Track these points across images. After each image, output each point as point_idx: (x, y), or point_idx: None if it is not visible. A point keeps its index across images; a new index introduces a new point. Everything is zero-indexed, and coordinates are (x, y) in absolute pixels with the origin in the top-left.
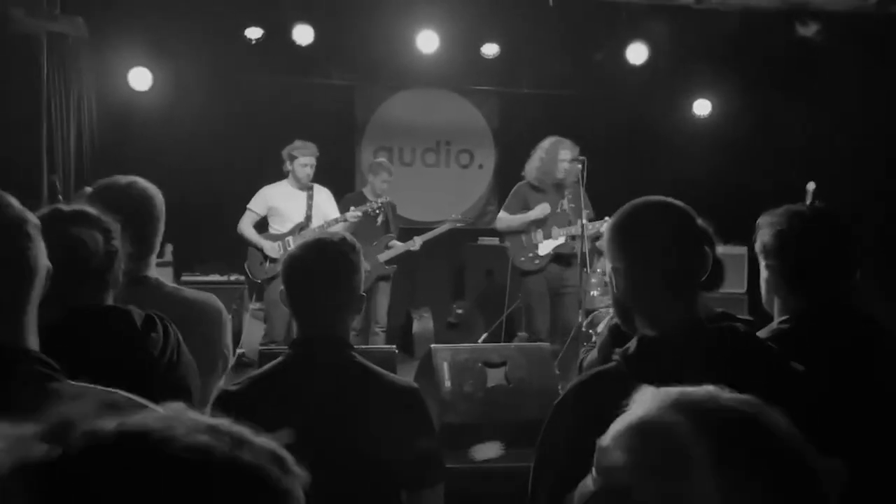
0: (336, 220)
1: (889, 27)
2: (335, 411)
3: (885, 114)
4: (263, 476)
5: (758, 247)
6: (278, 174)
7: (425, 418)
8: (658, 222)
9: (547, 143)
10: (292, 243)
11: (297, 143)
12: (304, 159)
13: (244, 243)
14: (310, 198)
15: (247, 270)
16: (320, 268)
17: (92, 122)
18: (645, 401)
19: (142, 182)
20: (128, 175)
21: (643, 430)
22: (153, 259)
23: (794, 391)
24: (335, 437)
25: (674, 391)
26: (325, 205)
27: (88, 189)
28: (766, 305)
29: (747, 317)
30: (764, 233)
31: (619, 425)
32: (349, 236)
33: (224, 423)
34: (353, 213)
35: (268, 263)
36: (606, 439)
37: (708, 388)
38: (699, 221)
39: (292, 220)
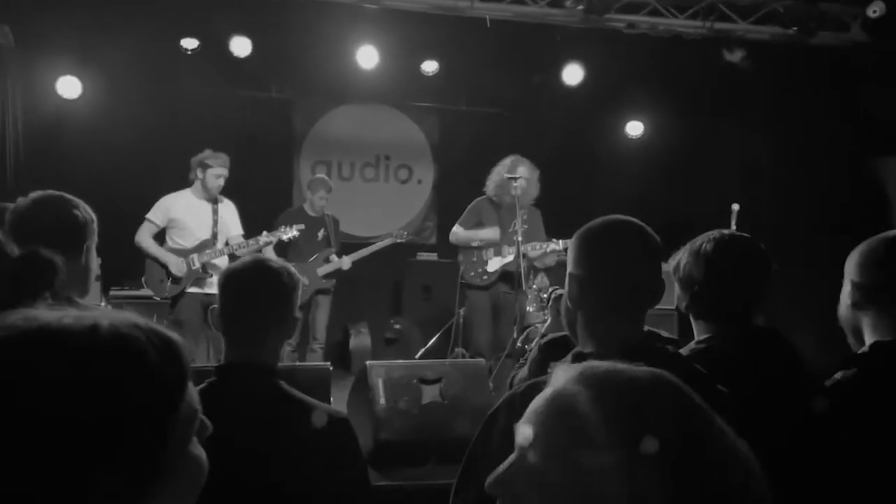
0: (245, 244)
1: (807, 55)
2: (259, 441)
3: (805, 137)
4: (154, 331)
5: (672, 267)
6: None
7: (353, 448)
8: (630, 241)
9: (507, 160)
10: (197, 261)
11: (209, 152)
12: (218, 170)
13: (142, 256)
14: (215, 212)
15: (145, 286)
16: (255, 288)
17: (17, 132)
18: (557, 377)
19: (52, 196)
20: (54, 188)
21: (548, 404)
22: (82, 277)
23: (720, 411)
24: (258, 468)
25: (581, 364)
26: (230, 219)
27: (9, 204)
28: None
29: (672, 336)
30: (677, 258)
31: (533, 402)
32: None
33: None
34: (265, 239)
35: (169, 282)
36: (523, 417)
37: (612, 363)
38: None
39: (195, 234)
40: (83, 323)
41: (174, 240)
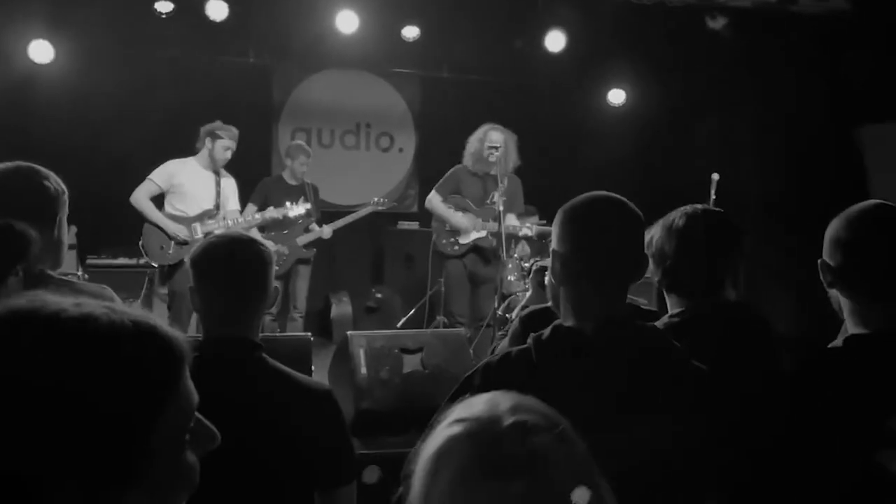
0: (251, 217)
1: (789, 23)
2: (244, 416)
3: (787, 104)
4: (154, 330)
5: (646, 243)
6: (191, 154)
7: (337, 419)
8: (611, 218)
9: (481, 129)
10: (200, 231)
11: (219, 123)
12: (227, 142)
13: (139, 217)
14: (218, 184)
15: (142, 252)
16: (237, 265)
17: None
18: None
19: (25, 167)
20: (26, 156)
21: (514, 461)
22: (54, 249)
23: (696, 390)
24: (245, 442)
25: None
26: (230, 194)
27: None
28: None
29: (651, 307)
30: (650, 233)
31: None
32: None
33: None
34: (271, 214)
35: (172, 248)
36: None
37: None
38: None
39: (198, 203)
40: (80, 311)
41: (174, 206)
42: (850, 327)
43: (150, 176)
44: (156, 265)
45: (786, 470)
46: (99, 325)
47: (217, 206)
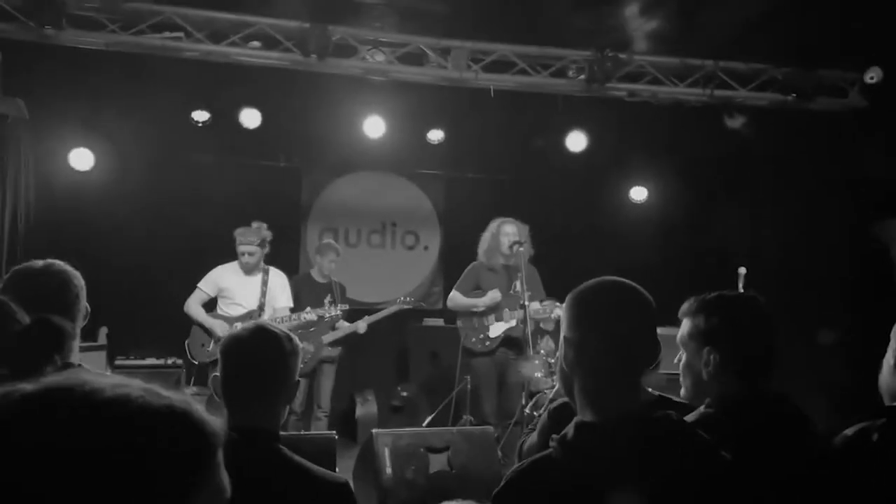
0: (288, 318)
1: (807, 120)
2: None
3: (807, 199)
4: (188, 414)
5: (682, 336)
6: (221, 256)
7: None
8: (623, 303)
9: (493, 224)
10: None
11: (254, 224)
12: (242, 247)
13: (189, 322)
14: (264, 283)
15: (187, 350)
16: (255, 354)
17: (28, 203)
18: None
19: (57, 265)
20: (63, 258)
21: None
22: (75, 344)
23: (723, 480)
24: None
25: None
26: (279, 290)
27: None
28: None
29: (683, 399)
30: (689, 323)
31: None
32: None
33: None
34: (309, 316)
35: (211, 346)
36: None
37: None
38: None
39: (244, 304)
40: (116, 392)
41: (222, 309)
42: None
43: (199, 284)
44: (197, 362)
45: None
46: (131, 408)
47: (261, 306)
